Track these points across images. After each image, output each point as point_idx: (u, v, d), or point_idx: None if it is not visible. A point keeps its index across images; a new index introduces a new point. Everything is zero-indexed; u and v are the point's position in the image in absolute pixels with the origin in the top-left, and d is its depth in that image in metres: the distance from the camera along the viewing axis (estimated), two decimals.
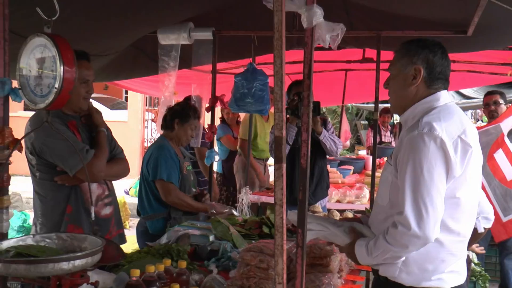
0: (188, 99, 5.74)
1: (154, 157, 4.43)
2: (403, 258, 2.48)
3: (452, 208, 2.44)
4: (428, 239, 2.35)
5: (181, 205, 4.39)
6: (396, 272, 2.51)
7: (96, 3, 3.53)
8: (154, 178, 4.37)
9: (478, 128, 5.89)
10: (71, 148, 3.17)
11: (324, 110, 22.34)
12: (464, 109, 16.27)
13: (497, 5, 3.27)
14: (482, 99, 6.60)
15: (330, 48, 2.47)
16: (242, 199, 5.52)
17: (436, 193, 2.36)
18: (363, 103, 16.16)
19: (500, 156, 5.47)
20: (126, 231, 4.58)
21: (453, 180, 2.42)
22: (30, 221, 8.79)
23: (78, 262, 2.24)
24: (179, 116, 4.60)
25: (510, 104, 6.34)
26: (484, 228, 3.19)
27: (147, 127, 15.57)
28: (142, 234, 4.50)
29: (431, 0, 3.87)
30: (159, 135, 4.81)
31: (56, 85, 2.45)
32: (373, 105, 5.45)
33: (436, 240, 2.41)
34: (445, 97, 2.59)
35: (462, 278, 2.58)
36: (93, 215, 2.76)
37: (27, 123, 3.39)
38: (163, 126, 4.70)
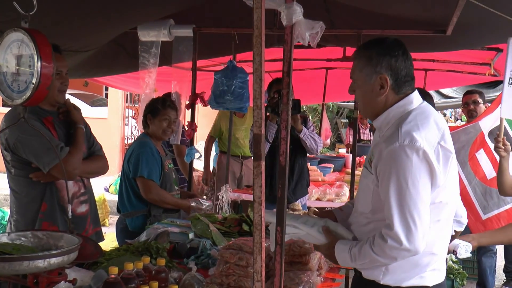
0: (167, 96, 5.72)
1: (135, 154, 4.39)
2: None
3: (435, 213, 2.45)
4: (418, 251, 2.37)
5: (162, 202, 4.36)
6: (380, 276, 2.51)
7: None
8: (135, 175, 4.33)
9: (457, 127, 5.94)
10: (46, 145, 3.15)
11: (304, 108, 22.37)
12: (444, 108, 16.41)
13: (476, 5, 3.29)
14: (461, 98, 6.65)
15: (310, 46, 2.47)
16: (222, 197, 5.52)
17: (422, 206, 2.36)
18: (344, 102, 16.20)
19: (481, 156, 5.53)
20: (106, 229, 4.58)
21: (438, 188, 2.42)
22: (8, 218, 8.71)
23: (54, 260, 2.22)
24: (149, 111, 4.56)
25: (488, 104, 6.39)
26: (455, 231, 3.21)
27: (127, 124, 15.46)
28: (122, 231, 4.47)
29: (411, 0, 3.88)
30: (139, 132, 4.78)
31: (34, 81, 2.43)
32: (354, 103, 5.47)
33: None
34: (417, 98, 2.58)
35: (442, 275, 2.60)
36: (69, 213, 2.73)
37: (2, 119, 3.35)
38: (142, 126, 4.68)
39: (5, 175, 3.46)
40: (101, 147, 3.79)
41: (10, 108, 3.37)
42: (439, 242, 2.55)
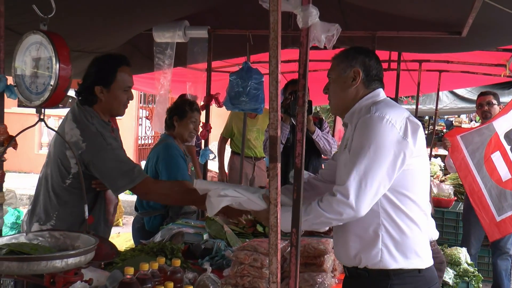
0: (183, 97, 5.74)
1: (163, 157, 4.41)
2: (380, 241, 2.54)
3: (408, 180, 2.56)
4: (360, 213, 2.46)
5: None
6: (378, 256, 2.55)
7: (91, 1, 3.53)
8: (169, 179, 4.32)
9: (471, 128, 5.92)
10: (121, 167, 3.23)
11: (318, 109, 22.36)
12: (459, 113, 16.34)
13: (492, 6, 3.28)
14: (475, 100, 6.63)
15: (325, 48, 2.48)
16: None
17: (379, 172, 2.46)
18: None
19: (497, 158, 5.52)
20: (119, 229, 4.60)
21: (407, 157, 2.51)
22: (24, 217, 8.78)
23: (71, 260, 2.24)
24: (176, 113, 4.62)
25: (503, 105, 6.36)
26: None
27: (141, 124, 15.52)
28: (139, 230, 4.49)
29: (426, 1, 3.87)
30: (153, 133, 4.80)
31: (52, 83, 2.45)
32: None
33: (409, 218, 2.56)
34: (383, 93, 2.79)
35: (431, 258, 2.69)
36: (86, 213, 2.73)
37: (73, 129, 3.26)
38: (165, 127, 4.71)
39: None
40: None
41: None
42: (422, 217, 2.63)
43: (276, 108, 1.97)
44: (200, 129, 5.16)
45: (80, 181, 2.83)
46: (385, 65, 7.37)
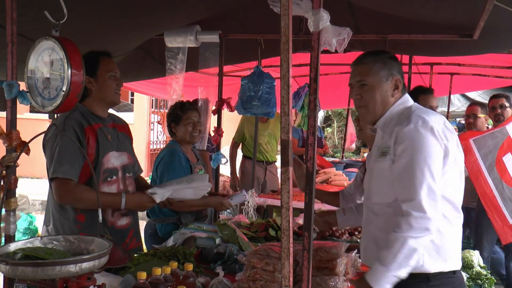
0: (194, 101, 5.75)
1: (163, 162, 4.42)
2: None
3: (448, 184, 2.61)
4: (434, 221, 2.49)
5: (188, 207, 4.32)
6: (421, 261, 2.56)
7: (102, 6, 3.55)
8: (160, 182, 4.33)
9: (484, 131, 5.89)
10: (69, 156, 3.22)
11: (330, 112, 22.35)
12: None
13: (503, 9, 3.27)
14: (487, 103, 6.59)
15: (336, 52, 2.48)
16: (248, 202, 5.52)
17: (437, 179, 2.52)
18: None
19: (508, 159, 5.49)
20: None
21: (449, 162, 2.59)
22: (36, 223, 8.82)
23: (85, 265, 2.24)
24: (171, 119, 4.57)
25: None
26: None
27: (153, 129, 15.57)
28: (151, 236, 4.48)
29: (437, 4, 3.86)
30: (165, 138, 4.80)
31: (64, 88, 2.47)
32: None
33: (449, 222, 2.63)
34: (410, 98, 2.86)
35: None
36: (100, 216, 2.73)
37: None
38: (170, 135, 4.70)
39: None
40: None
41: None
42: (459, 220, 2.71)
43: (288, 112, 1.97)
44: (212, 133, 5.16)
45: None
46: None
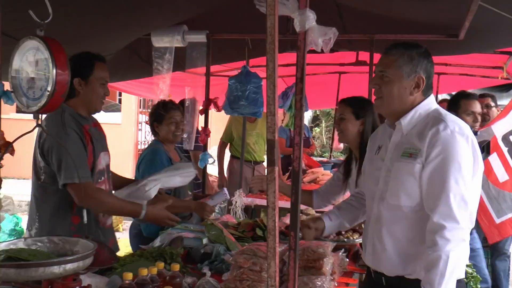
0: (182, 101, 5.73)
1: (145, 161, 4.41)
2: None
3: (473, 196, 2.59)
4: (467, 231, 2.49)
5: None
6: (463, 270, 2.57)
7: (88, 6, 3.53)
8: None
9: None
10: (68, 160, 3.16)
11: (318, 112, 22.38)
12: None
13: (488, 9, 3.29)
14: None
15: (322, 51, 2.48)
16: (236, 202, 5.52)
17: (469, 188, 2.50)
18: None
19: (494, 159, 5.52)
20: (119, 234, 4.59)
21: (475, 172, 2.58)
22: (22, 224, 8.78)
23: (69, 266, 2.22)
24: (154, 119, 4.55)
25: (501, 107, 6.36)
26: None
27: (140, 129, 15.53)
28: (136, 236, 4.47)
29: (423, 4, 3.88)
30: (153, 138, 4.77)
31: (49, 88, 2.44)
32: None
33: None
34: (434, 100, 2.79)
35: None
36: (85, 217, 2.73)
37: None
38: (152, 134, 4.67)
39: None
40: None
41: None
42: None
43: (274, 112, 1.97)
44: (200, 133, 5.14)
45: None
46: None
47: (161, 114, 4.50)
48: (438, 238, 2.42)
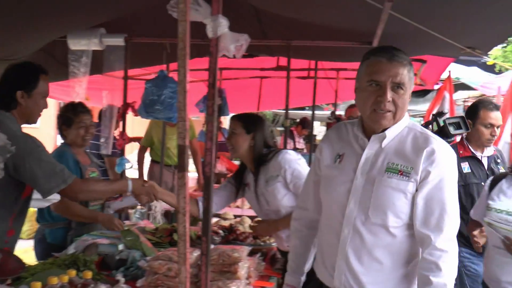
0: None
1: None
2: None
3: None
4: None
5: (73, 215, 4.18)
6: None
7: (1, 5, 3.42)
8: None
9: None
10: (53, 167, 3.12)
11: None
12: None
13: (398, 18, 3.40)
14: None
15: (234, 57, 2.50)
16: (155, 207, 5.47)
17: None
18: (280, 110, 16.36)
19: None
20: (32, 242, 4.42)
21: None
22: None
23: None
24: (63, 121, 4.42)
25: (417, 113, 6.58)
26: None
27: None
28: (40, 242, 4.28)
29: (337, 13, 3.97)
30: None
31: None
32: (294, 111, 5.55)
33: None
34: None
35: None
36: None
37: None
38: (61, 137, 4.55)
39: None
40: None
41: None
42: None
43: (185, 117, 1.98)
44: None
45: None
46: (304, 73, 7.53)
47: (70, 118, 4.36)
48: (441, 263, 2.29)
